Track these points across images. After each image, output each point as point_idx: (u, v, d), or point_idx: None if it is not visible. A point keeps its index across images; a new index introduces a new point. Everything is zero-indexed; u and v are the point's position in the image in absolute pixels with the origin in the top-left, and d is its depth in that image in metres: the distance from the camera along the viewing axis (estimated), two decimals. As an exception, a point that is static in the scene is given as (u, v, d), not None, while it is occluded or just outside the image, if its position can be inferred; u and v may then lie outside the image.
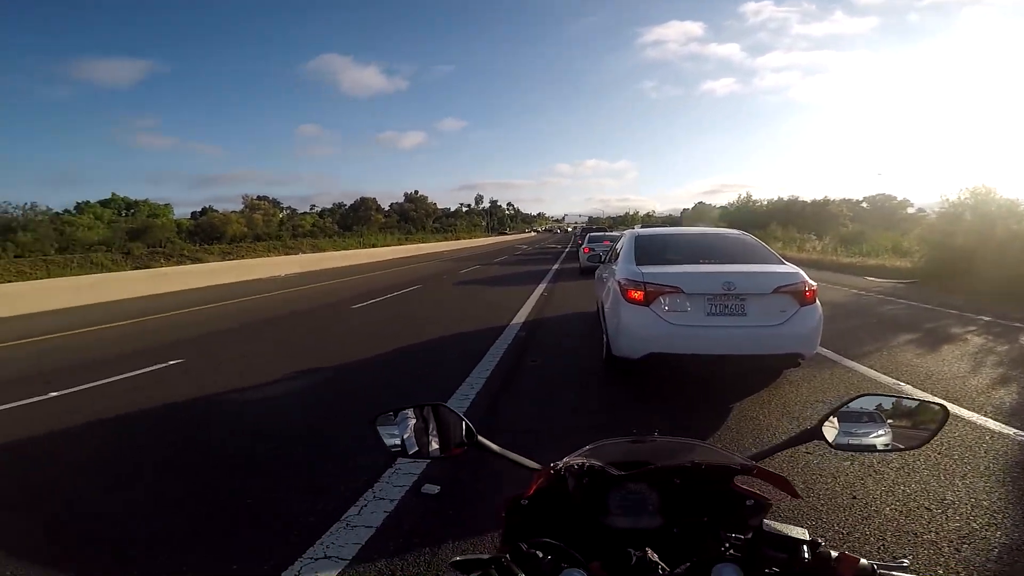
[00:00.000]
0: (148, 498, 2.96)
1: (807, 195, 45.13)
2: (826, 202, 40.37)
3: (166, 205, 50.43)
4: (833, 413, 0.97)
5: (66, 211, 39.04)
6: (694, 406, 4.17)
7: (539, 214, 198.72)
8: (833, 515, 2.57)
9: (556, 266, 20.72)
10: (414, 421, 1.02)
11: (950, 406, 4.07)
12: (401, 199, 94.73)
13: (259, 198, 65.94)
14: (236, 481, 3.09)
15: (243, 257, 28.64)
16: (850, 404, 0.98)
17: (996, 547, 2.26)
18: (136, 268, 22.12)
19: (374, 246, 44.05)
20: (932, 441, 0.97)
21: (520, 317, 8.57)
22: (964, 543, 2.30)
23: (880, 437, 0.97)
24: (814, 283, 4.35)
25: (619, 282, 4.59)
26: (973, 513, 2.56)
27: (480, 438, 1.00)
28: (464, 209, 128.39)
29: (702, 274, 4.42)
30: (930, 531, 2.41)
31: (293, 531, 2.50)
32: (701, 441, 0.99)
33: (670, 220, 67.82)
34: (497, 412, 4.17)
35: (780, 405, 4.14)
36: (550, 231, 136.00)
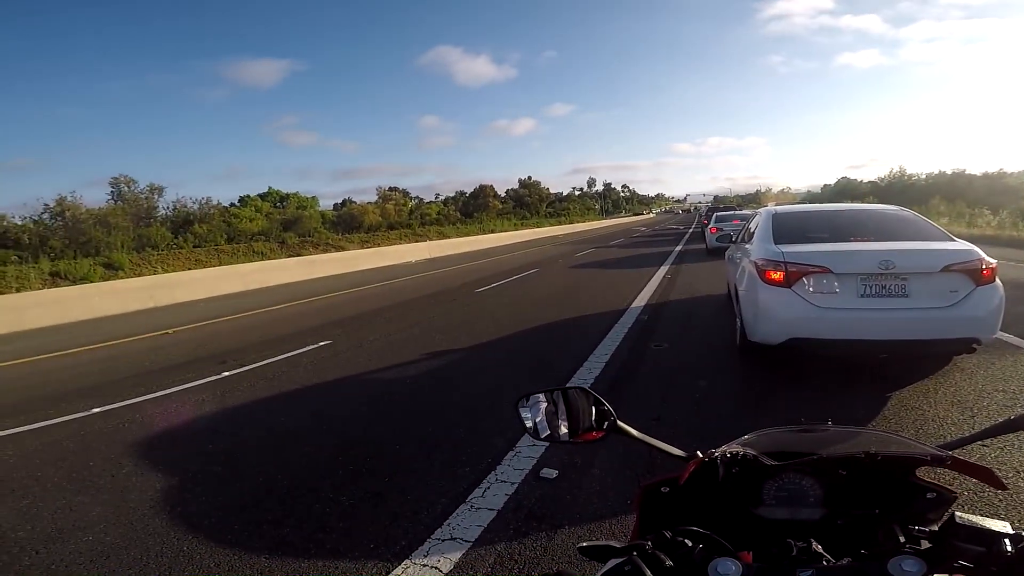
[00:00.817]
0: (290, 474, 3.27)
1: (975, 168, 38.81)
2: (1001, 175, 34.85)
3: (312, 197, 56.20)
4: None
5: (232, 204, 44.78)
6: (844, 396, 3.76)
7: (658, 195, 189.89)
8: (1014, 511, 2.27)
9: (679, 247, 19.77)
10: (545, 405, 1.01)
11: None
12: (516, 185, 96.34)
13: (391, 189, 71.26)
14: (373, 460, 3.33)
15: (378, 245, 31.15)
16: None
17: None
18: (289, 256, 25.10)
19: (493, 231, 45.40)
20: None
21: (641, 300, 8.31)
22: None
23: None
24: (992, 260, 3.77)
25: (755, 263, 4.24)
26: None
27: (620, 423, 0.97)
28: (576, 193, 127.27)
29: (853, 252, 3.98)
30: None
31: (424, 513, 2.64)
32: (882, 430, 0.88)
33: (810, 197, 60.93)
34: (618, 399, 4.07)
35: (950, 395, 3.63)
36: (670, 212, 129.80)
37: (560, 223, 66.56)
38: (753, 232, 5.14)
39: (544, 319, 7.43)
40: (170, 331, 9.04)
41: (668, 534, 0.68)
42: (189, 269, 20.04)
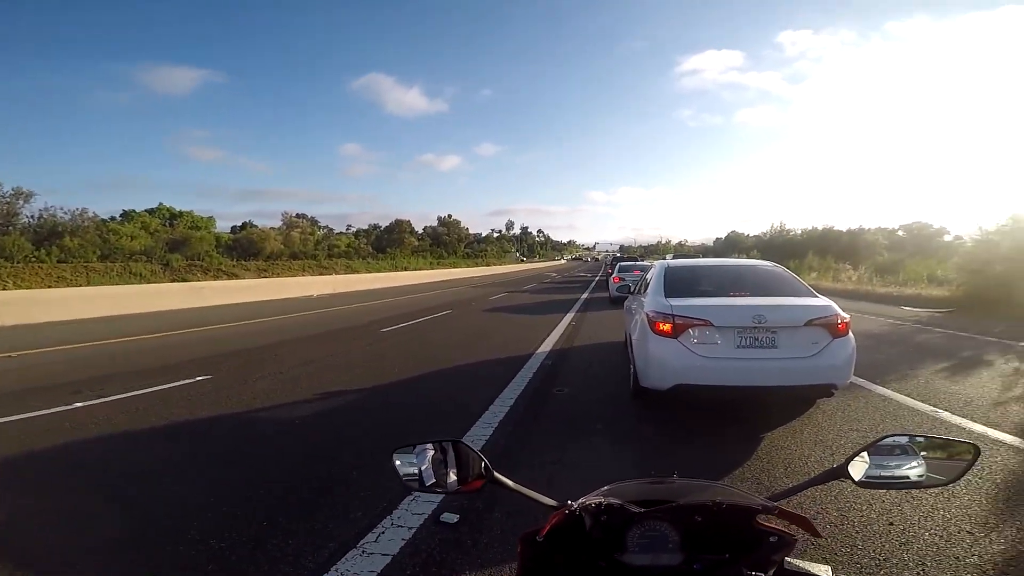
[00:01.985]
0: (150, 516, 2.96)
1: (842, 224, 44.63)
2: (861, 231, 40.40)
3: (209, 218, 51.65)
4: (861, 452, 0.98)
5: (112, 218, 40.20)
6: (724, 437, 4.07)
7: (570, 241, 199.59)
8: (869, 542, 2.52)
9: (585, 295, 20.61)
10: (432, 453, 1.04)
11: (991, 431, 4.01)
12: (435, 222, 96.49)
13: (298, 216, 67.72)
14: (250, 503, 3.07)
15: (279, 275, 29.39)
16: (878, 443, 0.99)
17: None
18: (174, 280, 22.84)
19: (406, 269, 44.73)
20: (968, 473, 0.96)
21: (547, 346, 8.51)
22: (1010, 566, 2.27)
23: (913, 470, 0.99)
24: (847, 315, 4.33)
25: (647, 314, 4.55)
26: (1019, 536, 2.52)
27: (497, 474, 1.00)
28: (495, 235, 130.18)
29: (732, 307, 4.37)
30: (973, 555, 2.37)
31: (308, 558, 2.46)
32: (721, 483, 0.99)
33: (704, 249, 66.69)
34: (521, 442, 4.10)
35: (813, 435, 4.09)
36: (579, 259, 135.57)
37: (477, 265, 67.23)
38: (648, 284, 5.50)
39: (453, 361, 7.35)
40: (13, 354, 7.85)
41: None
42: (49, 287, 17.59)
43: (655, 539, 0.87)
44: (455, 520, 2.78)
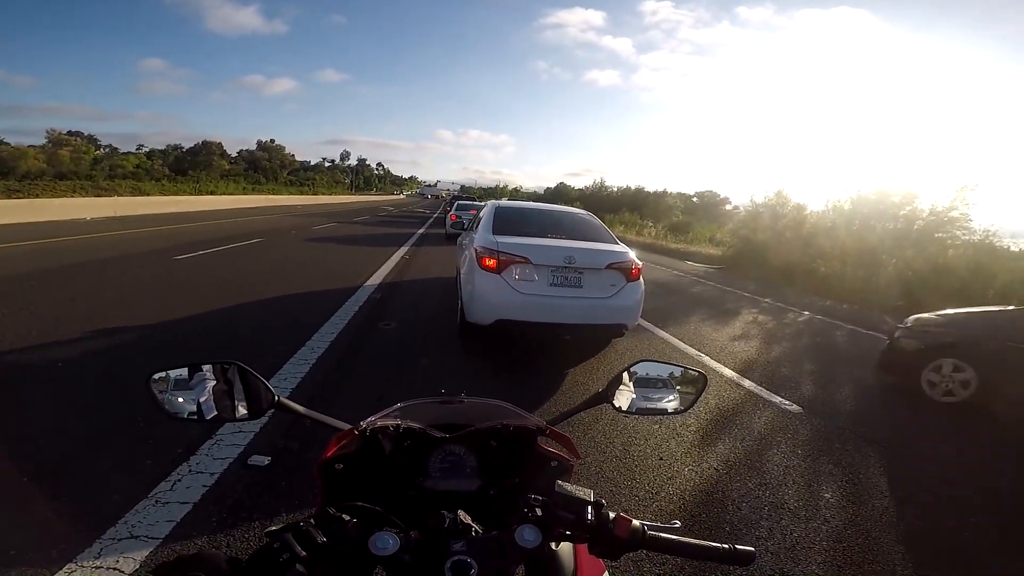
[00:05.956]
0: None
1: (650, 186, 50.40)
2: (665, 194, 46.20)
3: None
4: (618, 380, 1.02)
5: None
6: (535, 372, 4.40)
7: (411, 177, 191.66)
8: (645, 475, 2.84)
9: (422, 230, 20.33)
10: (213, 383, 0.88)
11: (736, 376, 4.73)
12: (254, 147, 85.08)
13: (70, 133, 55.34)
14: (15, 459, 2.55)
15: (36, 196, 23.22)
16: (632, 369, 1.04)
17: (766, 505, 2.65)
18: None
19: (212, 194, 39.11)
20: (702, 405, 1.07)
21: (376, 279, 8.30)
22: (743, 502, 2.68)
23: (670, 403, 1.05)
24: (640, 262, 4.83)
25: (476, 249, 4.65)
26: (750, 474, 2.97)
27: (282, 399, 0.91)
28: (327, 164, 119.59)
29: (548, 247, 4.65)
30: (718, 491, 2.76)
31: (89, 512, 2.15)
32: (504, 402, 1.00)
33: (535, 196, 70.26)
34: (343, 377, 3.97)
35: (607, 371, 4.53)
36: (420, 195, 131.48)
37: (303, 193, 61.44)
38: (480, 221, 5.59)
39: (263, 294, 6.70)
40: None
41: (332, 510, 0.67)
42: None
43: (455, 464, 0.88)
44: (266, 462, 2.62)
